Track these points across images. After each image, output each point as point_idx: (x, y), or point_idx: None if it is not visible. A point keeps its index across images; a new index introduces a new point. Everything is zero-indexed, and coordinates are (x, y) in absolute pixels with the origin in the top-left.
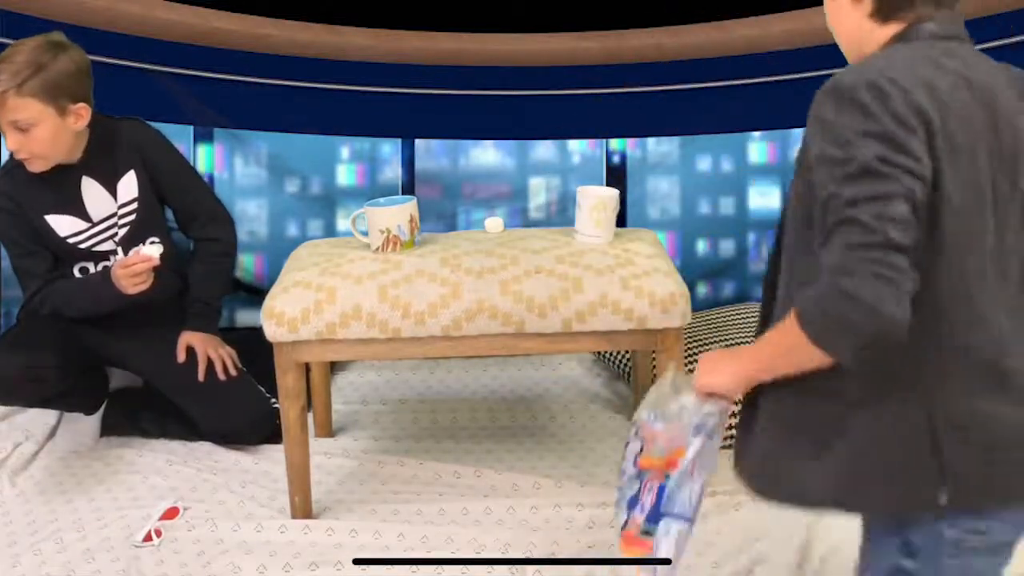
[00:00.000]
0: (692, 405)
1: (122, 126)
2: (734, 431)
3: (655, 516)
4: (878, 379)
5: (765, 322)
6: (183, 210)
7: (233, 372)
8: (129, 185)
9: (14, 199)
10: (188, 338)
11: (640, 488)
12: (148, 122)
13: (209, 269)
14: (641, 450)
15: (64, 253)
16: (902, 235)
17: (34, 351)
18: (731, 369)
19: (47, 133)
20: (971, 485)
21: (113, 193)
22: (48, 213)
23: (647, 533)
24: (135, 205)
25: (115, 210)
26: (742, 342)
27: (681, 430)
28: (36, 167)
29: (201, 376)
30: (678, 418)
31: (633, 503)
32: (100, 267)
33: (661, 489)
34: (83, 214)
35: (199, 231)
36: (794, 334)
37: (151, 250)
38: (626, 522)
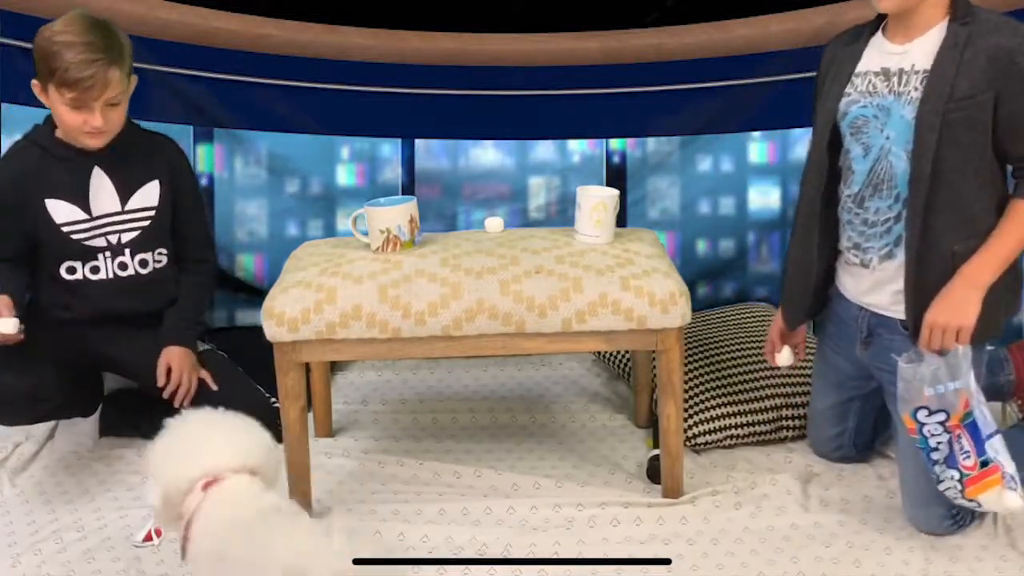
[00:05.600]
0: (954, 357)
1: (157, 138)
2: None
3: (981, 446)
4: None
5: (924, 242)
6: (184, 232)
7: (188, 402)
8: (151, 193)
9: (14, 181)
10: (168, 356)
11: (950, 444)
12: (147, 122)
13: (196, 285)
14: (947, 417)
15: (56, 244)
16: None
17: (34, 372)
18: (973, 307)
19: (126, 104)
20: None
21: (124, 194)
22: (49, 196)
23: (984, 464)
24: (152, 213)
25: (119, 208)
26: (742, 342)
27: (956, 379)
28: (104, 141)
29: (166, 395)
30: (954, 373)
31: (953, 460)
32: (88, 267)
33: (971, 425)
34: (84, 205)
35: (191, 253)
36: None
37: (5, 325)
38: (962, 475)
